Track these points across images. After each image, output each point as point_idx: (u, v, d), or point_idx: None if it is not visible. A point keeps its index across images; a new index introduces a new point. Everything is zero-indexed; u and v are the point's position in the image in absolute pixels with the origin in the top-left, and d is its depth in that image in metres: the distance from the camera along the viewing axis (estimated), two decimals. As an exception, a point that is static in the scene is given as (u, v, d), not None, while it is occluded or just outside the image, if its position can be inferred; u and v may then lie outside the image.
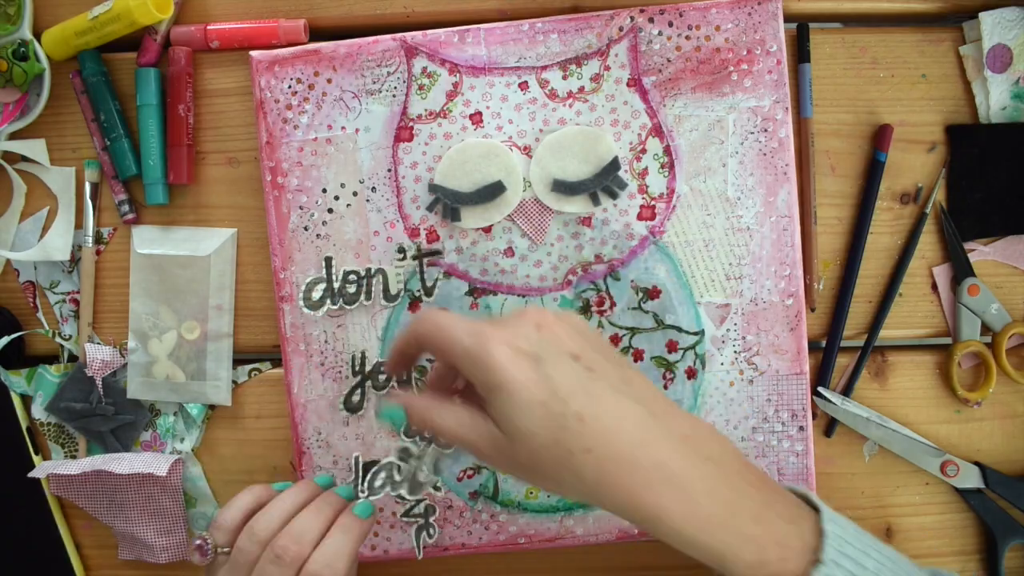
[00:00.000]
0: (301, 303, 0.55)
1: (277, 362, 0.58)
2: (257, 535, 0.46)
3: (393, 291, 0.55)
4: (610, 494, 0.38)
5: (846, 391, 0.57)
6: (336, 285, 0.55)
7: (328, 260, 0.55)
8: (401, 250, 0.55)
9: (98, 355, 0.57)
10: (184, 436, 0.59)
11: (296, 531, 0.46)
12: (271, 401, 0.58)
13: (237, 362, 0.58)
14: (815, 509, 0.41)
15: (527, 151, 0.54)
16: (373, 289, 0.55)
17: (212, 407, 0.58)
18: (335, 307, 0.55)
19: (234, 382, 0.58)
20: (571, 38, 0.53)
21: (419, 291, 0.55)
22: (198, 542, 0.48)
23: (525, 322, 0.40)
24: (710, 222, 0.54)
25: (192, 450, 0.59)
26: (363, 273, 0.55)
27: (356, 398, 0.56)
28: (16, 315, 0.59)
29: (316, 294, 0.55)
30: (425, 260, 0.55)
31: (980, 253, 0.57)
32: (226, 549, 0.47)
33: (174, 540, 0.58)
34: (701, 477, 0.38)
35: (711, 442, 0.40)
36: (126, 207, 0.57)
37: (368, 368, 0.55)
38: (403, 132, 0.54)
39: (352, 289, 0.55)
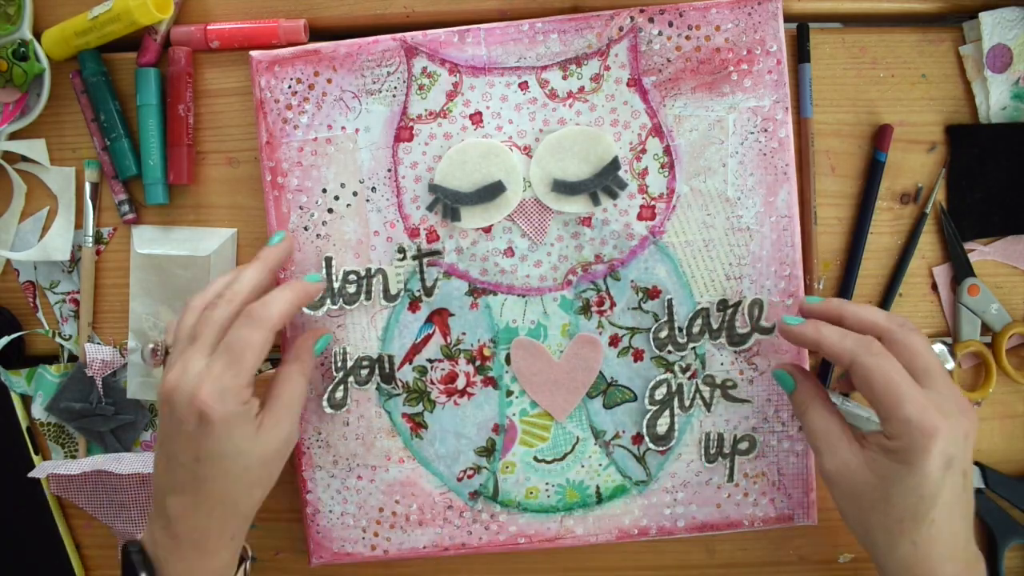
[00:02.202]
0: None
1: (277, 362, 0.58)
2: (193, 304, 0.49)
3: (393, 291, 0.55)
4: (896, 571, 0.46)
5: (846, 391, 0.57)
6: (336, 285, 0.55)
7: (328, 260, 0.55)
8: (401, 250, 0.55)
9: (98, 355, 0.57)
10: (184, 436, 0.59)
11: (233, 283, 0.49)
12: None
13: (237, 362, 0.58)
14: None
15: (527, 151, 0.54)
16: (373, 289, 0.55)
17: (212, 407, 0.58)
18: (335, 307, 0.55)
19: (234, 382, 0.58)
20: (571, 38, 0.53)
21: (419, 291, 0.55)
22: (151, 346, 0.50)
23: (962, 424, 0.44)
24: (710, 222, 0.54)
25: (192, 450, 0.58)
26: (363, 273, 0.55)
27: (339, 395, 0.55)
28: (16, 315, 0.59)
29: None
30: (425, 260, 0.55)
31: (980, 253, 0.57)
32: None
33: (174, 540, 0.58)
34: None
35: (980, 565, 0.47)
36: (126, 207, 0.57)
37: (350, 364, 0.55)
38: (403, 132, 0.54)
39: (352, 289, 0.55)
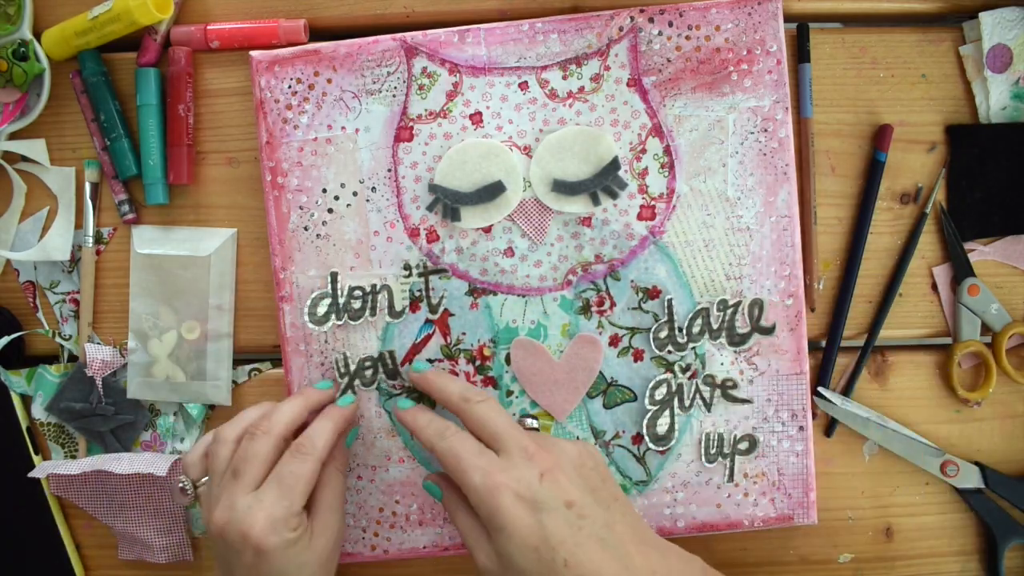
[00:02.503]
0: (306, 318, 0.55)
1: (277, 362, 0.58)
2: (225, 436, 0.49)
3: (398, 308, 0.55)
4: None
5: (846, 391, 0.57)
6: (341, 301, 0.55)
7: (334, 276, 0.55)
8: (407, 267, 0.55)
9: (98, 355, 0.57)
10: (184, 436, 0.59)
11: (271, 415, 0.49)
12: (271, 401, 0.58)
13: (237, 362, 0.58)
14: None
15: (527, 151, 0.54)
16: (378, 305, 0.55)
17: (212, 407, 0.58)
18: (340, 322, 0.55)
19: (234, 382, 0.58)
20: (571, 38, 0.53)
21: (419, 291, 0.55)
22: (180, 486, 0.50)
23: (531, 467, 0.45)
24: (710, 222, 0.54)
25: (192, 450, 0.59)
26: (368, 289, 0.55)
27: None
28: (16, 315, 0.59)
29: (321, 309, 0.55)
30: (431, 276, 0.55)
31: (980, 253, 0.57)
32: (203, 480, 0.50)
33: (174, 540, 0.58)
34: None
35: (676, 568, 0.46)
36: (126, 207, 0.57)
37: (352, 368, 0.55)
38: (403, 132, 0.54)
39: (357, 304, 0.55)
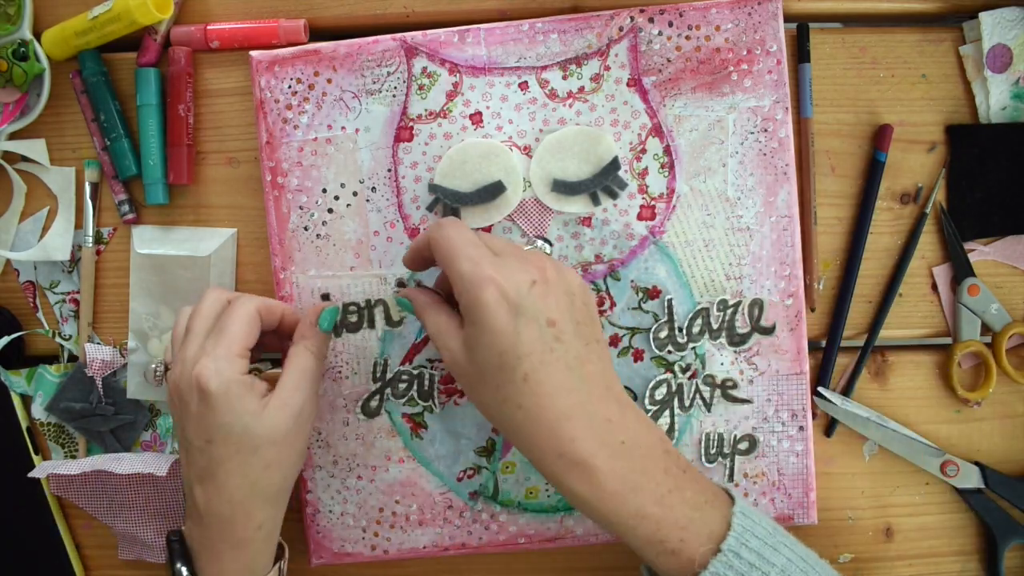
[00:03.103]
0: None
1: (277, 362, 0.58)
2: (183, 310, 0.50)
3: (396, 318, 0.54)
4: (528, 449, 0.43)
5: (846, 391, 0.57)
6: (337, 319, 0.55)
7: (326, 297, 0.54)
8: (401, 283, 0.55)
9: (98, 355, 0.57)
10: (184, 436, 0.59)
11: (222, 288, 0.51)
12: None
13: (237, 362, 0.58)
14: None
15: (527, 151, 0.54)
16: (376, 318, 0.55)
17: (212, 407, 0.58)
18: (339, 339, 0.55)
19: (234, 382, 0.58)
20: (571, 38, 0.53)
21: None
22: (152, 367, 0.51)
23: (524, 272, 0.43)
24: (710, 222, 0.54)
25: (192, 450, 0.58)
26: (363, 305, 0.54)
27: (374, 403, 0.55)
28: (16, 315, 0.59)
29: None
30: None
31: (980, 253, 0.57)
32: None
33: (174, 540, 0.58)
34: (608, 457, 0.42)
35: (633, 428, 0.44)
36: (126, 207, 0.57)
37: (389, 375, 0.55)
38: (403, 132, 0.54)
39: (354, 319, 0.54)
